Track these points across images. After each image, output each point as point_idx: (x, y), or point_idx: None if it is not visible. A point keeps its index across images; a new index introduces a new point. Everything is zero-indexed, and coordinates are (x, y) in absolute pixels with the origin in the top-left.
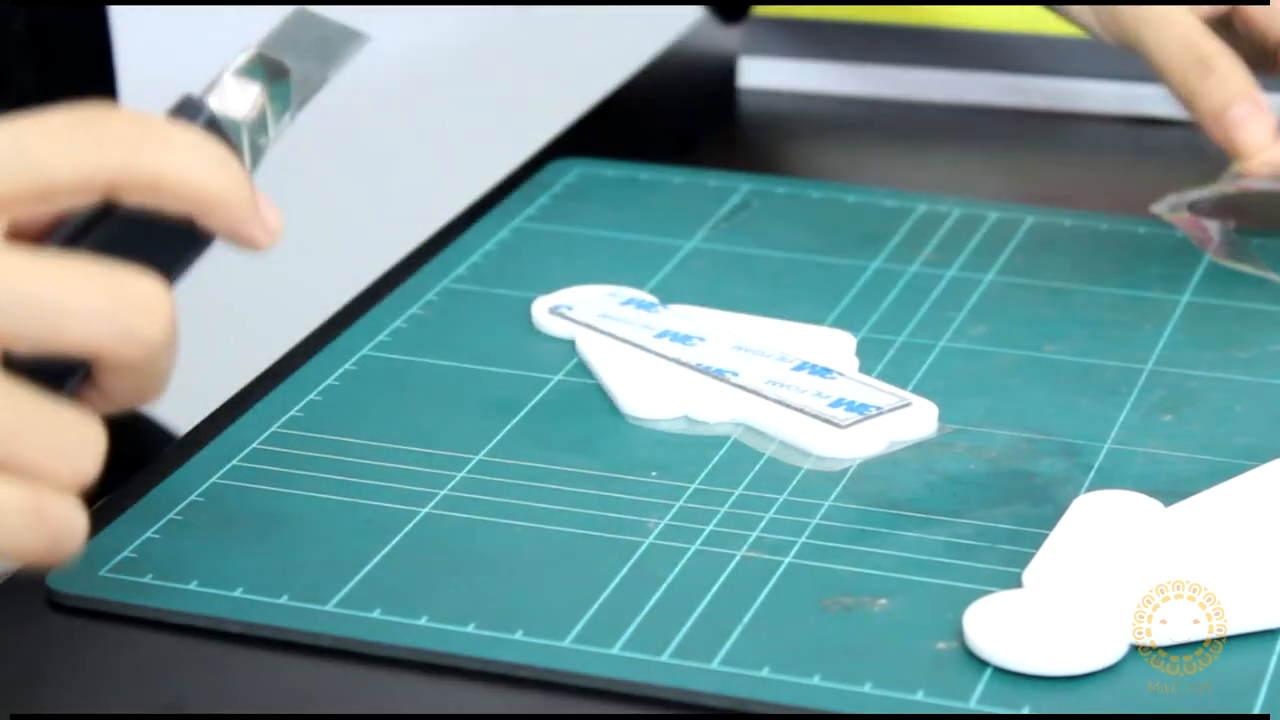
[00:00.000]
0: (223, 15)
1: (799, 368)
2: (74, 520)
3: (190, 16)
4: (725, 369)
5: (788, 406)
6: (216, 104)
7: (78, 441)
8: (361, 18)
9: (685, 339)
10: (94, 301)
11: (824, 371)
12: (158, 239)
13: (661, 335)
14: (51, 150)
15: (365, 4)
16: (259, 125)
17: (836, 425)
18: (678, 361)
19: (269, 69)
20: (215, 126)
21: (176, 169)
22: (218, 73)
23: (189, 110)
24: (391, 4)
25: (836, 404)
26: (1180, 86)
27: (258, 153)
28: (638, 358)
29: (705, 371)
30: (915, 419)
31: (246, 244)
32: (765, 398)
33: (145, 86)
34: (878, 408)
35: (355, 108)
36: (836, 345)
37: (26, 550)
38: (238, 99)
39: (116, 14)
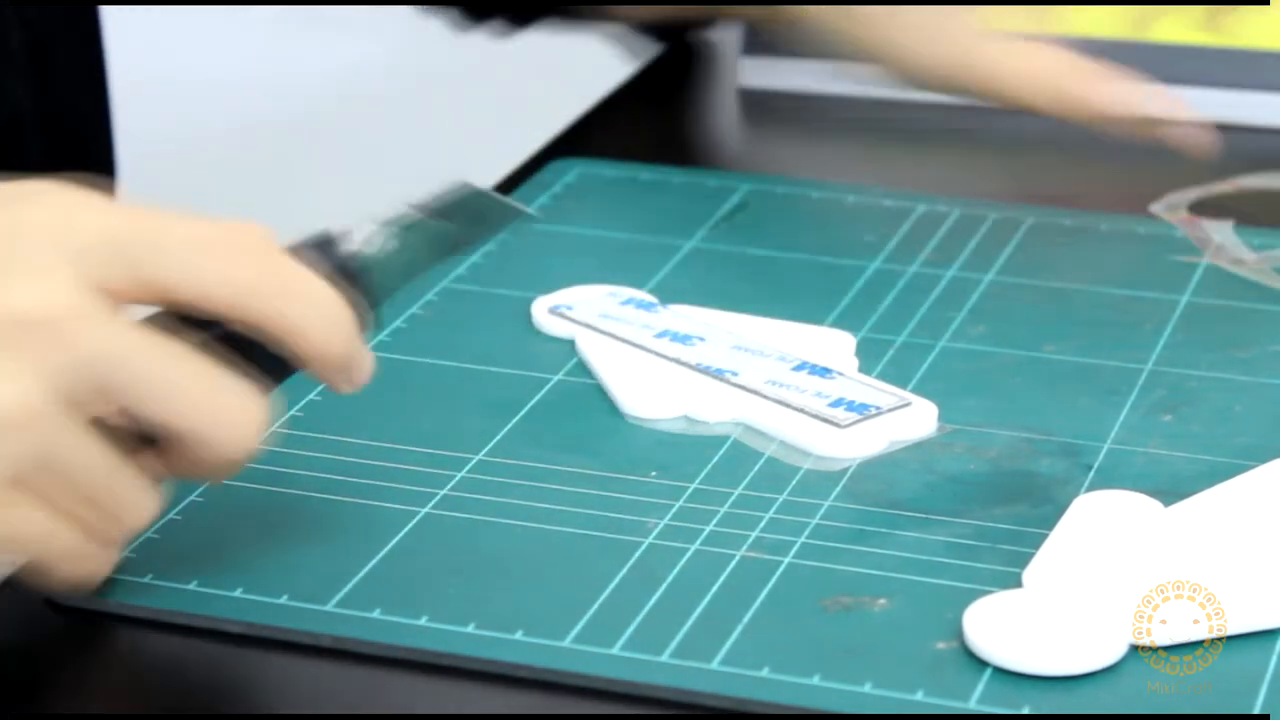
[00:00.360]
0: (217, 16)
1: (799, 368)
2: (105, 565)
3: (185, 17)
4: (725, 369)
5: (788, 406)
6: (353, 245)
7: (141, 503)
8: (362, 18)
9: (685, 339)
10: (202, 403)
11: (824, 371)
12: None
13: (661, 335)
14: (176, 264)
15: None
16: (392, 272)
17: (836, 425)
18: (678, 361)
19: (417, 224)
20: (345, 269)
21: (285, 321)
22: (364, 218)
23: (323, 248)
24: (391, 4)
25: (836, 404)
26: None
27: (385, 293)
28: (637, 358)
29: (705, 371)
30: (915, 419)
31: (335, 388)
32: (765, 398)
33: (139, 88)
34: (877, 408)
35: (356, 107)
36: (836, 345)
37: (52, 578)
38: (375, 244)
39: (109, 14)
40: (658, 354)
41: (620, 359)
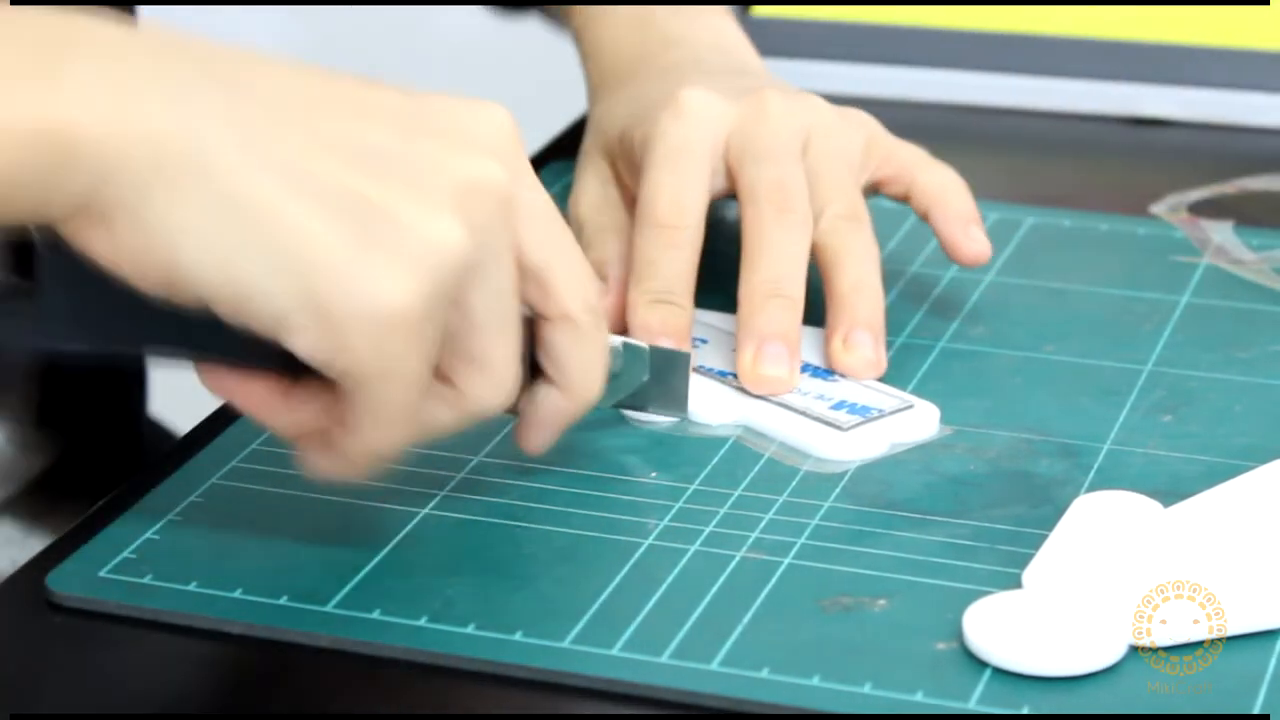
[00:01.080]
0: (222, 16)
1: (801, 369)
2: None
3: (189, 18)
4: (728, 371)
5: (789, 409)
6: None
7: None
8: (363, 18)
9: (695, 341)
10: (500, 353)
11: (825, 374)
12: None
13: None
14: (565, 285)
15: (367, 4)
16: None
17: (838, 428)
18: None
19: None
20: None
21: (589, 359)
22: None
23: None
24: (390, 4)
25: (838, 406)
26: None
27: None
28: None
29: (708, 373)
30: (917, 421)
31: (525, 436)
32: (767, 400)
33: None
34: (880, 410)
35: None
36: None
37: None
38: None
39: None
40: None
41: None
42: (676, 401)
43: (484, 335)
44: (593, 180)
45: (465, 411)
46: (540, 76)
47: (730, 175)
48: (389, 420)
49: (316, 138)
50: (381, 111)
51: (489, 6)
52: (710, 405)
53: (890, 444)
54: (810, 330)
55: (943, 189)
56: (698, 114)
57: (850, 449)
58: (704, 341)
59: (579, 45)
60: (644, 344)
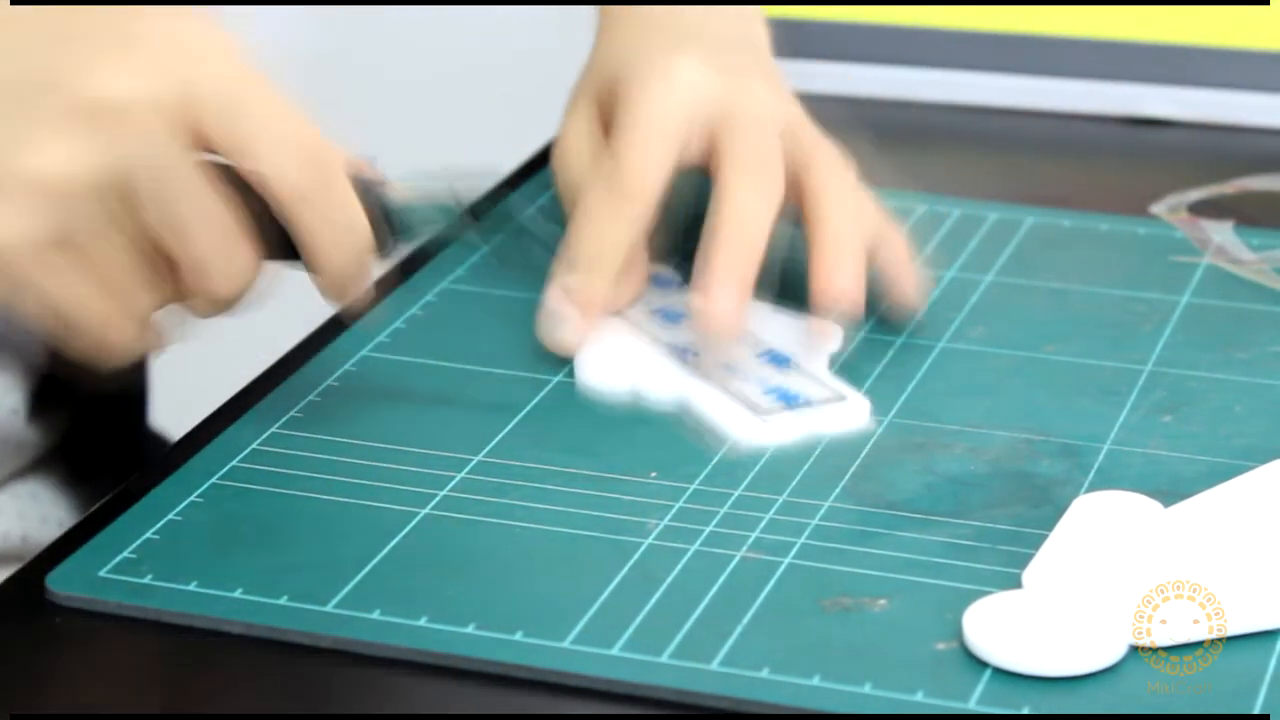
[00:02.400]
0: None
1: (761, 354)
2: (130, 339)
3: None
4: (691, 349)
5: (724, 390)
6: (390, 190)
7: (149, 305)
8: (363, 18)
9: (675, 318)
10: (206, 239)
11: (782, 360)
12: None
13: (656, 312)
14: (253, 144)
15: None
16: (410, 224)
17: (757, 413)
18: (654, 338)
19: (446, 200)
20: (377, 206)
21: (314, 236)
22: (410, 173)
23: (365, 186)
24: (391, 4)
25: (770, 391)
26: None
27: (402, 238)
28: (612, 331)
29: (673, 349)
30: (845, 414)
31: (324, 295)
32: (709, 380)
33: None
34: (808, 400)
35: (356, 107)
36: (821, 334)
37: (83, 346)
38: (406, 196)
39: None
40: (645, 330)
41: (599, 331)
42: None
43: (169, 236)
44: (581, 124)
45: (207, 295)
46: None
47: (706, 144)
48: (79, 331)
49: None
50: (18, 36)
51: None
52: (656, 381)
53: (810, 433)
54: (774, 312)
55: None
56: (686, 85)
57: (766, 434)
58: (687, 318)
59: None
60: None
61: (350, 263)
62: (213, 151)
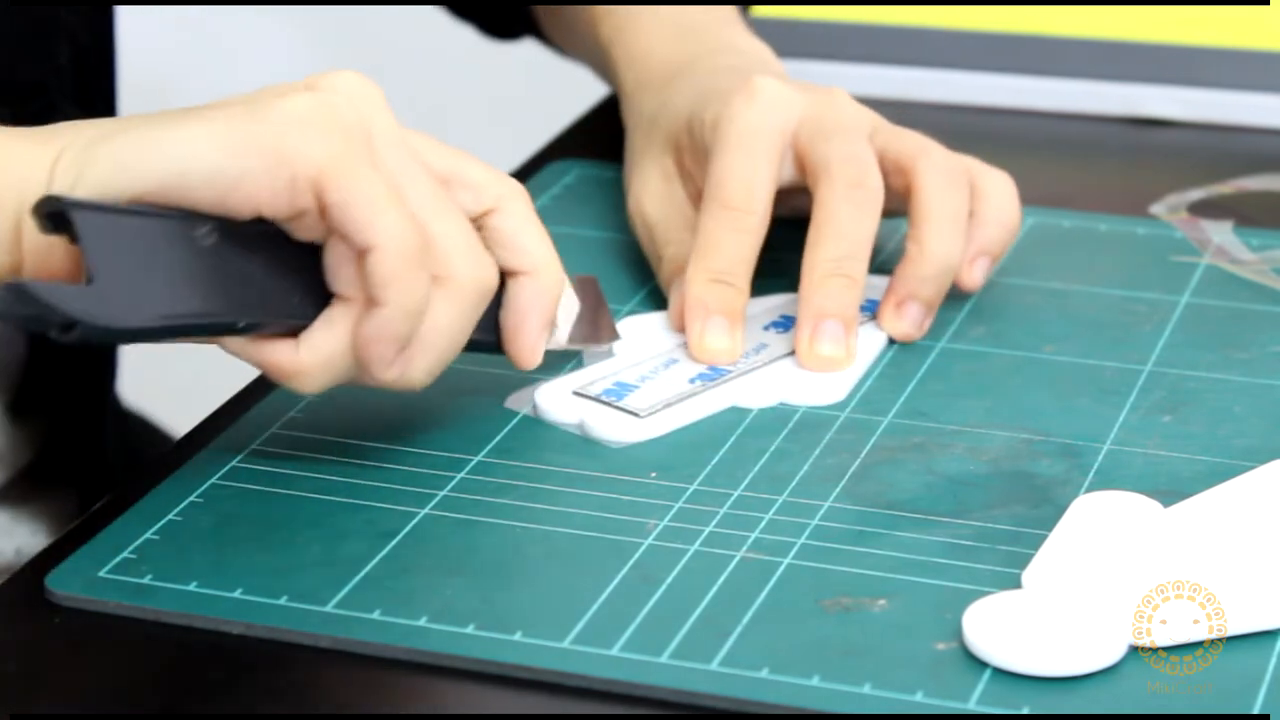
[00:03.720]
0: (222, 16)
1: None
2: None
3: (190, 17)
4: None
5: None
6: None
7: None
8: (365, 18)
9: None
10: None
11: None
12: None
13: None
14: (475, 170)
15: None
16: None
17: (636, 415)
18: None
19: None
20: None
21: (528, 247)
22: None
23: None
24: (391, 3)
25: (613, 388)
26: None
27: None
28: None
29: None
30: (617, 422)
31: (521, 345)
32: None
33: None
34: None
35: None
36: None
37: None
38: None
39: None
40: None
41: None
42: (605, 329)
43: (449, 208)
44: (655, 176)
45: (452, 307)
46: (540, 77)
47: (800, 159)
48: (391, 219)
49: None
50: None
51: (481, 32)
52: (600, 419)
53: (780, 400)
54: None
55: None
56: (771, 100)
57: (634, 430)
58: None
59: (609, 51)
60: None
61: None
62: None
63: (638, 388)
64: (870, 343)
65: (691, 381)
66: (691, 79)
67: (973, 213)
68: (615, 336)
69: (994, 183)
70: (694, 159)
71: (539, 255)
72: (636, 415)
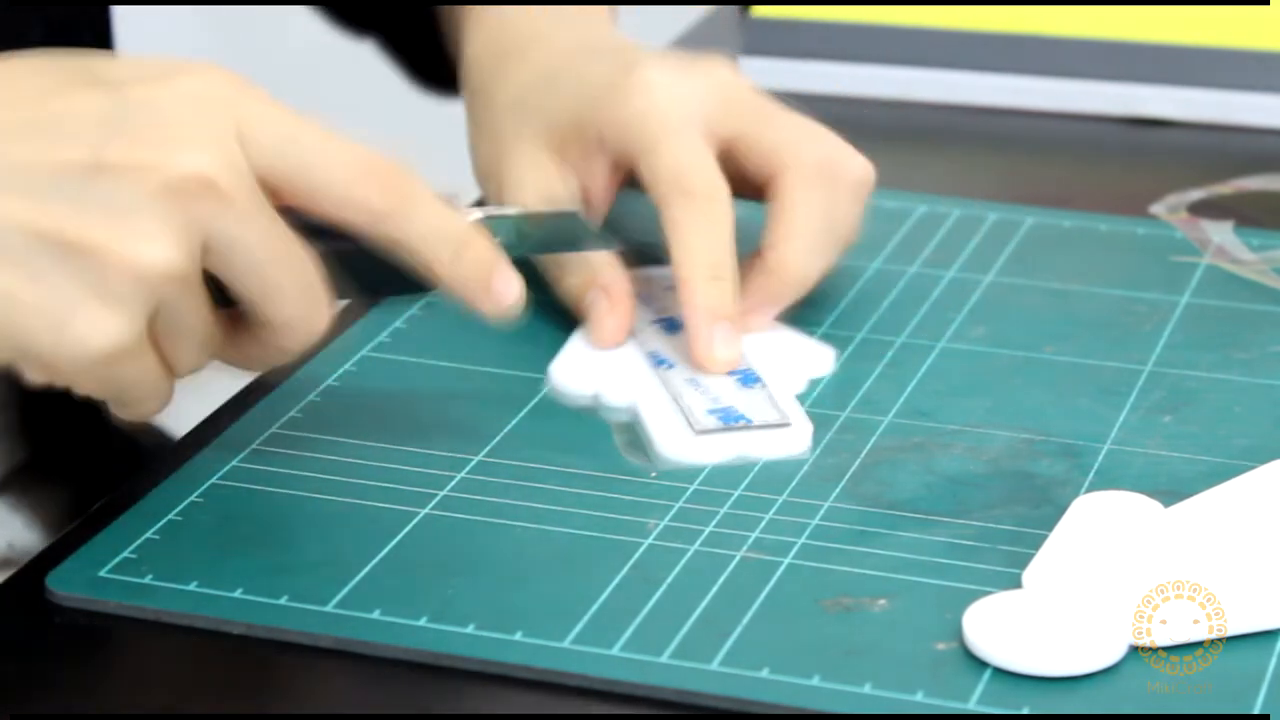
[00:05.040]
0: (222, 15)
1: (734, 373)
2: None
3: (190, 16)
4: (668, 360)
5: (673, 403)
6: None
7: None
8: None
9: (672, 327)
10: (290, 302)
11: (749, 380)
12: (386, 273)
13: (656, 321)
14: (333, 176)
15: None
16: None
17: (693, 430)
18: (636, 344)
19: (514, 221)
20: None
21: (418, 245)
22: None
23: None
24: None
25: (715, 410)
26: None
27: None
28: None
29: (651, 358)
30: (784, 439)
31: (477, 308)
32: (666, 391)
33: None
34: (749, 420)
35: (357, 107)
36: (813, 357)
37: (127, 414)
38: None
39: (117, 14)
40: (634, 336)
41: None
42: (597, 241)
43: (254, 302)
44: (533, 172)
45: (275, 350)
46: None
47: (724, 146)
48: (135, 405)
49: (4, 172)
50: (73, 122)
51: (332, 24)
52: (615, 388)
53: (739, 454)
54: (794, 337)
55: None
56: (671, 90)
57: (696, 451)
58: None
59: (462, 36)
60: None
61: (469, 266)
62: (283, 202)
63: (731, 403)
64: (821, 361)
65: (743, 384)
66: (544, 61)
67: None
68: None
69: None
70: (582, 153)
71: (425, 259)
72: (787, 424)
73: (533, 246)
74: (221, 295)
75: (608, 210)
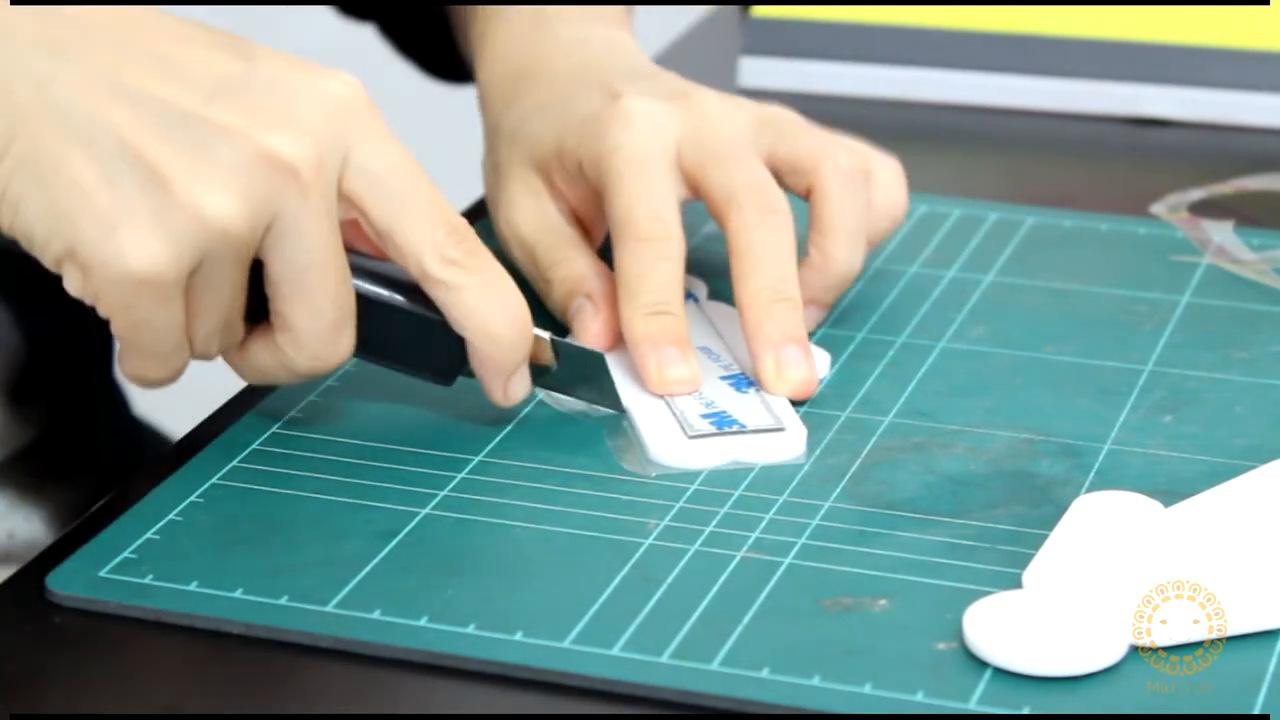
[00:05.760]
0: (221, 16)
1: (726, 377)
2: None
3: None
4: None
5: (667, 407)
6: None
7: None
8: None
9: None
10: (317, 312)
11: (742, 384)
12: (407, 347)
13: None
14: (415, 214)
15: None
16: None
17: (686, 434)
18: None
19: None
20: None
21: (474, 302)
22: None
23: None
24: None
25: (709, 415)
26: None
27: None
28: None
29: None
30: (777, 444)
31: (487, 389)
32: (658, 395)
33: None
34: (742, 426)
35: None
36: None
37: (135, 371)
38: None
39: None
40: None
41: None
42: (609, 398)
43: (284, 299)
44: (525, 195)
45: (282, 365)
46: None
47: (692, 183)
48: (145, 357)
49: (119, 90)
50: (198, 72)
51: (334, 7)
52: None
53: (733, 459)
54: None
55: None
56: (646, 123)
57: (689, 456)
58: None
59: (477, 51)
60: (544, 333)
61: (513, 343)
62: (360, 230)
63: (727, 408)
64: (819, 364)
65: (740, 388)
66: (537, 91)
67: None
68: (619, 408)
69: (885, 171)
70: (566, 181)
71: (478, 329)
72: (781, 429)
73: (557, 376)
74: (255, 308)
75: (603, 237)
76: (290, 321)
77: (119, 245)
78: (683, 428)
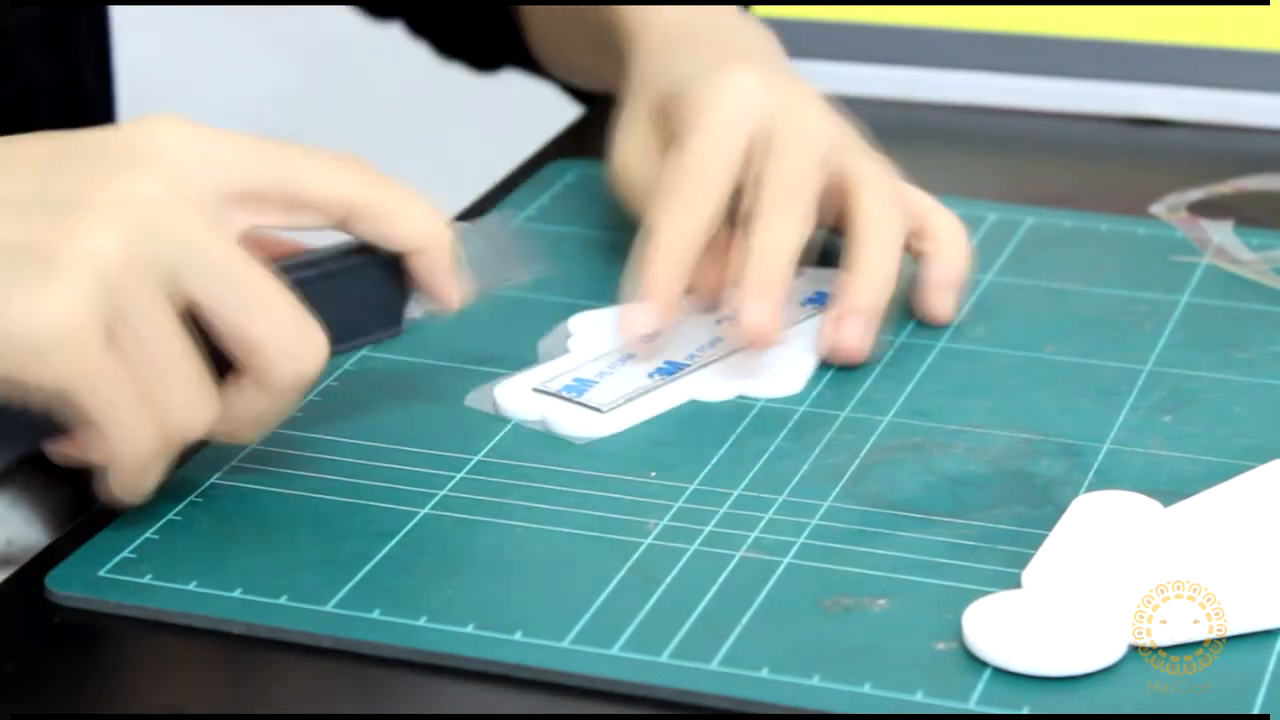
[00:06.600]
0: (220, 15)
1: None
2: (153, 478)
3: (189, 16)
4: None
5: (575, 368)
6: None
7: (199, 403)
8: (358, 17)
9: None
10: (272, 320)
11: (671, 369)
12: (351, 311)
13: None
14: (307, 167)
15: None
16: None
17: (599, 411)
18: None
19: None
20: None
21: (403, 210)
22: None
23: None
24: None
25: (575, 382)
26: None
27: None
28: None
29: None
30: (582, 420)
31: (440, 297)
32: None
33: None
34: (576, 396)
35: (356, 106)
36: (788, 372)
37: (109, 480)
38: None
39: (116, 14)
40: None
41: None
42: (517, 264)
43: (233, 325)
44: (641, 128)
45: (269, 392)
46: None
47: (747, 160)
48: (118, 458)
49: None
50: (22, 162)
51: (357, 8)
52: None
53: (542, 415)
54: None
55: (948, 242)
56: (744, 92)
57: (518, 405)
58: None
59: (622, 18)
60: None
61: (447, 235)
62: (268, 219)
63: (597, 383)
64: (803, 364)
65: (650, 376)
66: (691, 50)
67: (924, 252)
68: (536, 266)
69: (945, 224)
70: (664, 130)
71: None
72: (599, 410)
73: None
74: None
75: None
76: (253, 340)
77: (22, 307)
78: (546, 383)
